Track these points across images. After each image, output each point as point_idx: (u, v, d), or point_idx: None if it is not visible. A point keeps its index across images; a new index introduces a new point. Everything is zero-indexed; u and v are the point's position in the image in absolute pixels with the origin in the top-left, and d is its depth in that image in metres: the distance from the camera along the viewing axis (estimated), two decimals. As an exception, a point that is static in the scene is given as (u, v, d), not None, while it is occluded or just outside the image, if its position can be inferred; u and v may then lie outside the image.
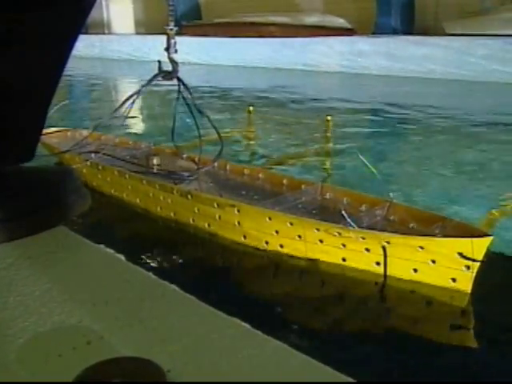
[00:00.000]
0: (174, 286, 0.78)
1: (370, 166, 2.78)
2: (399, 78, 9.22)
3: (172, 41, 2.90)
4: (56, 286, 0.76)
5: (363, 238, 2.30)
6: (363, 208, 2.67)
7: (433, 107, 6.79)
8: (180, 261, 2.65)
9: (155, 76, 3.01)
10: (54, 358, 0.59)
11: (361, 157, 2.86)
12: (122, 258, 0.90)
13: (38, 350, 0.61)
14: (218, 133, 3.18)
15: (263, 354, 0.61)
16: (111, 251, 0.91)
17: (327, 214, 2.65)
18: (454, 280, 2.18)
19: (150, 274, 0.81)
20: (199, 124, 3.18)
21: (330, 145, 5.04)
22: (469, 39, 9.07)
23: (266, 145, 5.04)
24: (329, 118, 5.46)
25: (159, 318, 0.68)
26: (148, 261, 2.59)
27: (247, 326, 0.67)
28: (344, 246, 2.37)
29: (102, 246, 0.95)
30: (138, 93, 3.05)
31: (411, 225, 2.47)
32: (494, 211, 3.08)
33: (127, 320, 0.67)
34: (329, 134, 5.30)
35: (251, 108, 6.12)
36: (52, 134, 4.02)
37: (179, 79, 3.01)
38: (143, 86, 3.06)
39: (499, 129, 5.61)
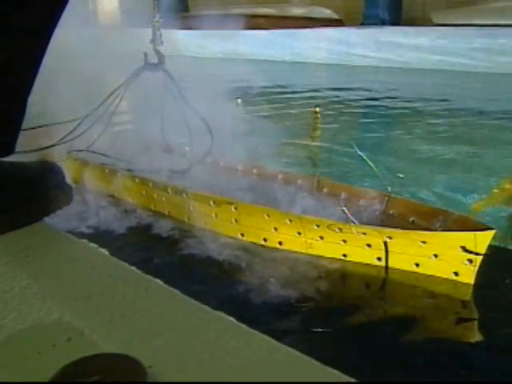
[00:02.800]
0: (157, 281, 0.76)
1: (368, 160, 2.69)
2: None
3: (157, 32, 2.86)
4: (36, 282, 0.74)
5: (364, 234, 2.28)
6: (362, 203, 2.64)
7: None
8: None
9: (141, 69, 2.97)
10: (33, 356, 0.58)
11: (358, 151, 2.77)
12: (106, 252, 0.88)
13: (17, 348, 0.60)
14: (209, 127, 3.13)
15: (248, 348, 0.60)
16: (94, 245, 0.89)
17: (325, 209, 2.62)
18: (456, 274, 2.18)
19: (134, 268, 0.80)
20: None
21: (318, 133, 4.99)
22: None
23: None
24: (317, 109, 5.45)
25: (142, 313, 0.67)
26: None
27: (232, 319, 0.66)
28: (345, 241, 2.35)
29: (84, 240, 0.93)
30: (123, 87, 3.00)
31: (411, 219, 2.44)
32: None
33: (109, 315, 0.66)
34: (318, 125, 5.27)
35: (239, 100, 6.07)
36: (35, 130, 3.93)
37: (165, 71, 2.97)
38: (129, 80, 3.01)
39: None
